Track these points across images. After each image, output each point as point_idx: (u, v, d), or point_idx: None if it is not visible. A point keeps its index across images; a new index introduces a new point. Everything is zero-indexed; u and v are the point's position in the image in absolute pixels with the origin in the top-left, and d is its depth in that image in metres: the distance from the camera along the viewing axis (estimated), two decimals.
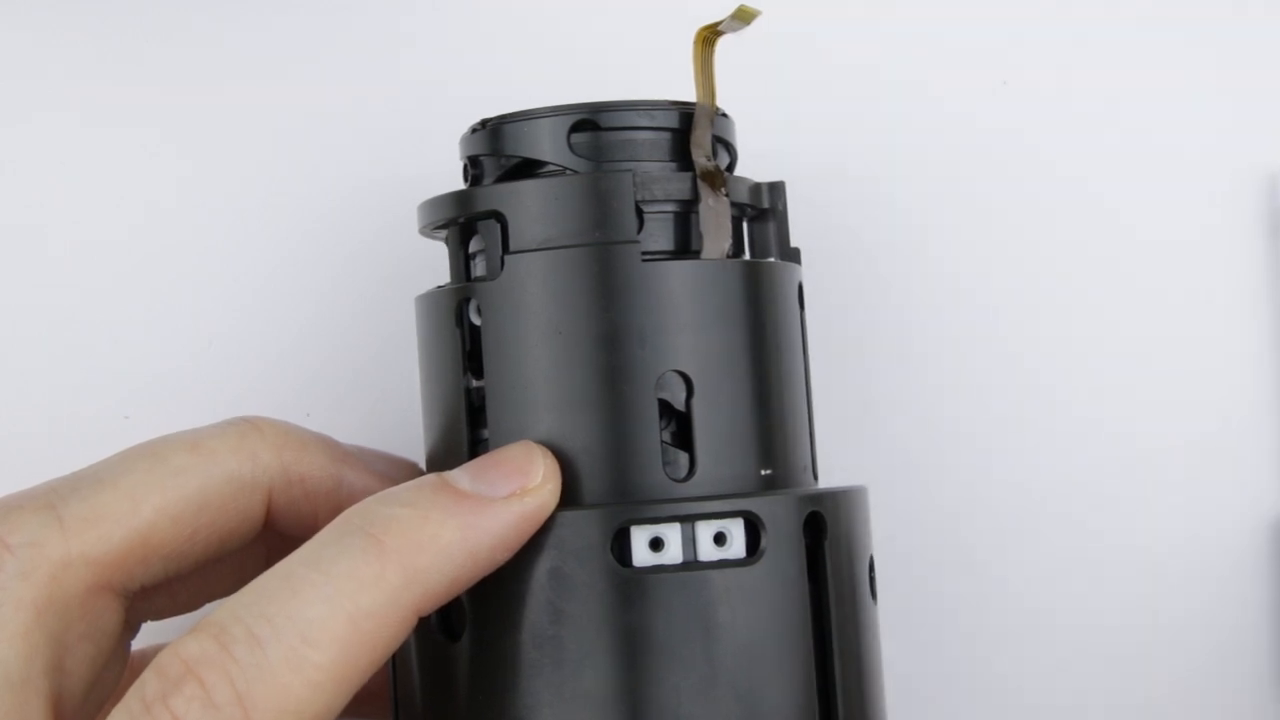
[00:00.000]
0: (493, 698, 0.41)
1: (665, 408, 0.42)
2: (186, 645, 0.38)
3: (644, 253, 0.42)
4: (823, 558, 0.42)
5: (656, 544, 0.41)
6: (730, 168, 0.45)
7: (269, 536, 0.45)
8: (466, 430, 0.43)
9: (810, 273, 0.46)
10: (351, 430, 0.50)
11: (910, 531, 0.52)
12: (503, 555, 0.40)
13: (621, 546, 0.41)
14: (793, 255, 0.45)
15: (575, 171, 0.43)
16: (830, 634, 0.42)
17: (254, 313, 0.52)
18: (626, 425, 0.41)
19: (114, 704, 0.39)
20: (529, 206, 0.42)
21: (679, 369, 0.42)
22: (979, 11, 0.53)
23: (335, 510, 0.42)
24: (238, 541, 0.44)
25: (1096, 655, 0.53)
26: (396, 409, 0.51)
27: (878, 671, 0.44)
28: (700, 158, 0.43)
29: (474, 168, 0.45)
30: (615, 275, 0.42)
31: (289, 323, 0.52)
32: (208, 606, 0.46)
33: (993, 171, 0.53)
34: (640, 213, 0.42)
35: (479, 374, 0.43)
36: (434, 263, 0.48)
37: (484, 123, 0.44)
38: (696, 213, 0.43)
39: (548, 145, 0.43)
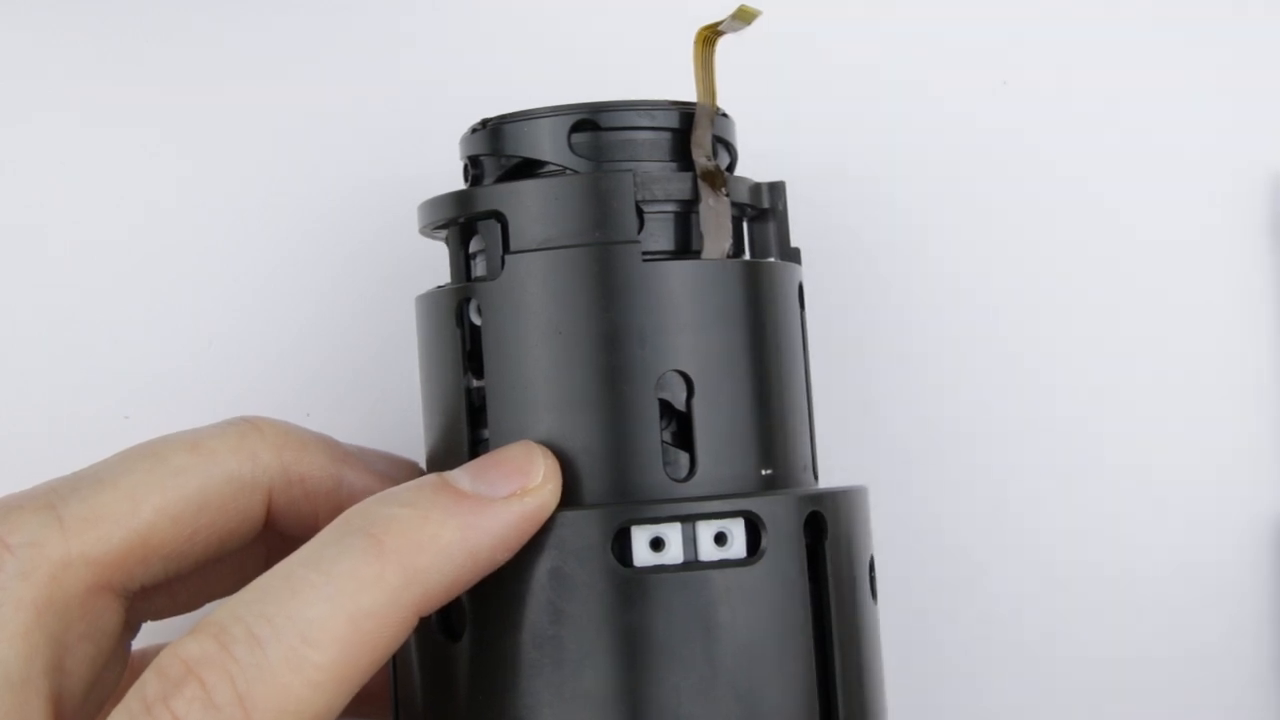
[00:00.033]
0: (493, 698, 0.41)
1: (665, 408, 0.42)
2: (187, 645, 0.38)
3: (644, 253, 0.42)
4: (823, 558, 0.42)
5: (657, 544, 0.41)
6: (730, 168, 0.45)
7: (269, 536, 0.45)
8: (467, 430, 0.43)
9: (810, 273, 0.46)
10: (351, 430, 0.50)
11: (910, 531, 0.52)
12: (503, 555, 0.40)
13: (622, 546, 0.41)
14: (793, 255, 0.45)
15: (575, 171, 0.43)
16: (830, 634, 0.42)
17: (254, 313, 0.52)
18: (627, 425, 0.41)
19: (114, 704, 0.39)
20: (529, 206, 0.42)
21: (679, 369, 0.42)
22: (979, 11, 0.53)
23: (335, 510, 0.42)
24: (238, 541, 0.44)
25: (1097, 655, 0.53)
26: (396, 409, 0.51)
27: (878, 671, 0.44)
28: (700, 158, 0.43)
29: (474, 168, 0.45)
30: (615, 275, 0.42)
31: (289, 323, 0.52)
32: (208, 606, 0.46)
33: (993, 171, 0.53)
34: (640, 213, 0.42)
35: (479, 374, 0.43)
36: (434, 263, 0.48)
37: (484, 123, 0.44)
38: (697, 213, 0.43)
39: (548, 145, 0.43)
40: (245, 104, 0.52)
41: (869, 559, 0.44)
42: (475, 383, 0.43)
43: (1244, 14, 0.53)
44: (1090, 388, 0.53)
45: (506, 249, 0.42)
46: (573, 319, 0.41)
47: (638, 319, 0.41)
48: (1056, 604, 0.53)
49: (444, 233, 0.45)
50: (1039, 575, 0.53)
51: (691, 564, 0.41)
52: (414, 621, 0.40)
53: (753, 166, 0.47)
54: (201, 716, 0.37)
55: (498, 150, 0.44)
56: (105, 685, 0.43)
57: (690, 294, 0.42)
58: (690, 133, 0.44)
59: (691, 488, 0.41)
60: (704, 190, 0.43)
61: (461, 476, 0.41)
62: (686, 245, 0.43)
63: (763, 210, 0.45)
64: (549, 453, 0.41)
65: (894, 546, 0.51)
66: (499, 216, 0.43)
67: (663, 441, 0.42)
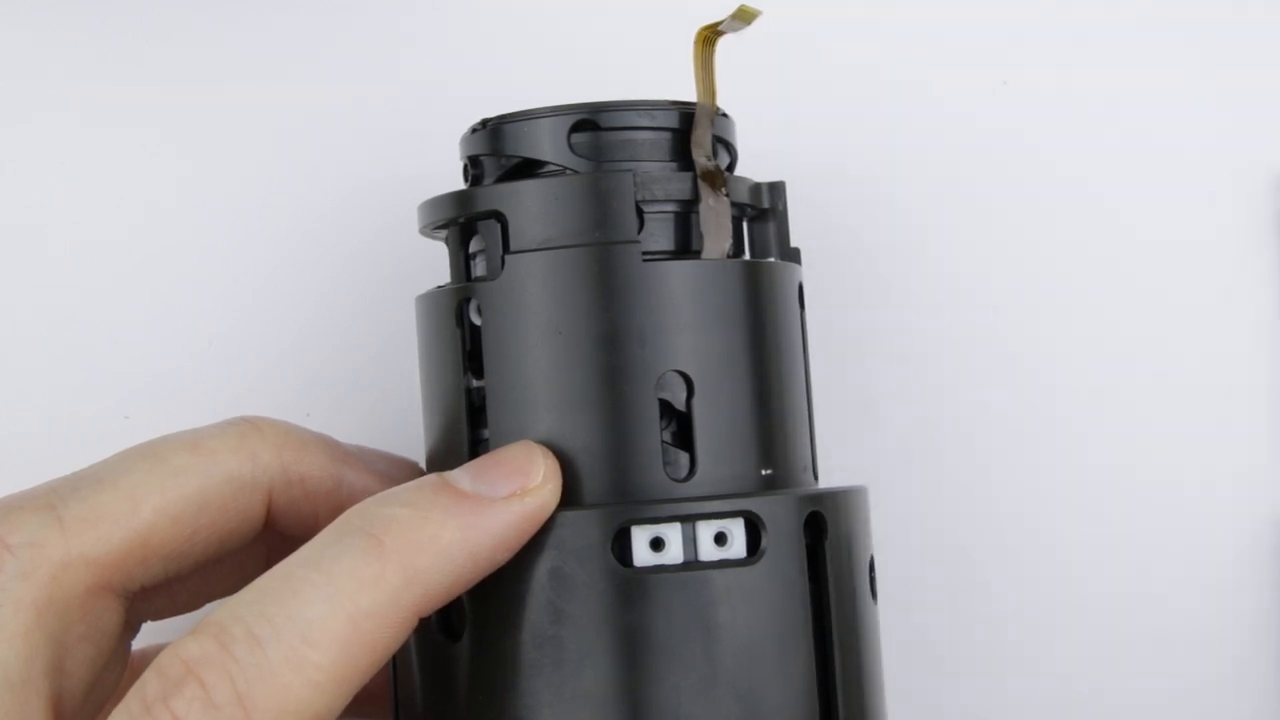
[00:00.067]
0: (493, 698, 0.41)
1: (665, 408, 0.42)
2: (187, 646, 0.38)
3: (644, 253, 0.42)
4: (823, 558, 0.42)
5: (657, 544, 0.41)
6: (730, 168, 0.45)
7: (269, 536, 0.45)
8: (467, 430, 0.43)
9: (810, 273, 0.46)
10: (351, 430, 0.50)
11: (910, 531, 0.52)
12: (503, 555, 0.40)
13: (622, 546, 0.41)
14: (793, 255, 0.45)
15: (575, 171, 0.43)
16: (830, 634, 0.42)
17: (254, 313, 0.52)
18: (627, 425, 0.41)
19: (114, 704, 0.39)
20: (529, 206, 0.42)
21: (679, 369, 0.42)
22: (979, 11, 0.53)
23: (335, 510, 0.42)
24: (238, 541, 0.44)
25: (1097, 655, 0.53)
26: (396, 409, 0.51)
27: (878, 671, 0.44)
28: (700, 158, 0.43)
29: (474, 168, 0.45)
30: (615, 275, 0.42)
31: (289, 323, 0.52)
32: (208, 606, 0.46)
33: (993, 171, 0.53)
34: (640, 213, 0.42)
35: (479, 374, 0.43)
36: (434, 263, 0.48)
37: (484, 123, 0.44)
38: (697, 213, 0.43)
39: (548, 145, 0.43)
40: (245, 104, 0.52)
41: (869, 559, 0.44)
42: (475, 383, 0.43)
43: (1244, 14, 0.53)
44: (1090, 388, 0.53)
45: (506, 249, 0.42)
46: (573, 319, 0.41)
47: (638, 319, 0.41)
48: (1056, 603, 0.53)
49: (444, 233, 0.45)
50: (1039, 575, 0.53)
51: (691, 564, 0.41)
52: (414, 622, 0.40)
53: (753, 166, 0.47)
54: (201, 716, 0.37)
55: (498, 150, 0.44)
56: (105, 685, 0.43)
57: (690, 294, 0.42)
58: (690, 133, 0.44)
59: (691, 488, 0.41)
60: (704, 190, 0.43)
61: (461, 476, 0.41)
62: (686, 245, 0.43)
63: (763, 210, 0.45)
64: (549, 453, 0.41)
65: (894, 546, 0.51)
66: (499, 216, 0.43)
67: (663, 441, 0.42)
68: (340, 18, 0.53)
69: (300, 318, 0.52)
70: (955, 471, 0.53)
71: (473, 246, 0.44)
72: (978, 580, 0.53)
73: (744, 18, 0.43)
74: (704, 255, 0.43)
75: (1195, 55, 0.53)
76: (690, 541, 0.41)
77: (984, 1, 0.53)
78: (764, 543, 0.41)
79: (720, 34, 0.44)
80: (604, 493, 0.41)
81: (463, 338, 0.43)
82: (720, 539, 0.41)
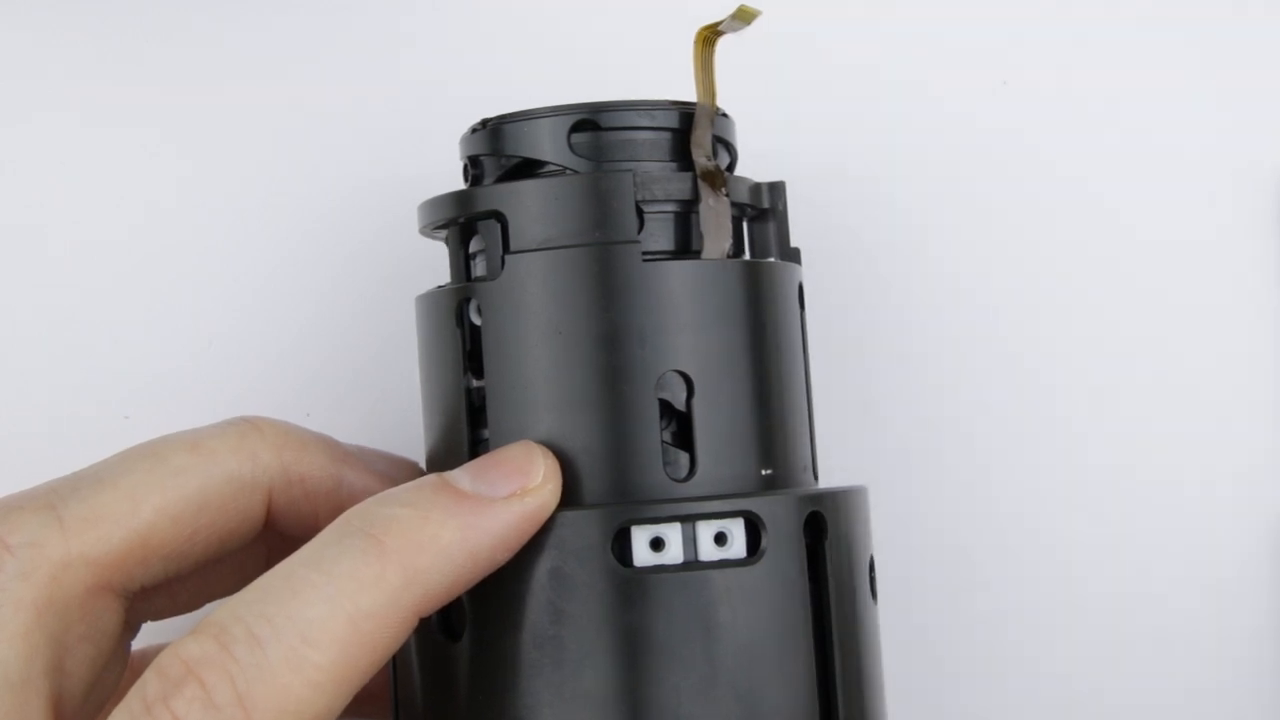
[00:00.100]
0: (493, 698, 0.41)
1: (665, 408, 0.42)
2: (187, 646, 0.38)
3: (644, 253, 0.42)
4: (823, 558, 0.42)
5: (657, 544, 0.41)
6: (730, 168, 0.45)
7: (269, 536, 0.45)
8: (467, 430, 0.43)
9: (810, 273, 0.46)
10: (351, 430, 0.50)
11: (910, 531, 0.52)
12: (503, 555, 0.40)
13: (622, 546, 0.41)
14: (793, 255, 0.45)
15: (575, 171, 0.43)
16: (830, 634, 0.42)
17: (254, 313, 0.52)
18: (627, 425, 0.41)
19: (114, 704, 0.39)
20: (529, 206, 0.42)
21: (679, 369, 0.42)
22: (979, 11, 0.53)
23: (335, 510, 0.42)
24: (238, 541, 0.44)
25: (1097, 655, 0.53)
26: (396, 409, 0.51)
27: (878, 671, 0.44)
28: (700, 158, 0.43)
29: (474, 168, 0.45)
30: (615, 275, 0.42)
31: (289, 323, 0.52)
32: (208, 607, 0.46)
33: (993, 171, 0.53)
34: (640, 213, 0.42)
35: (479, 374, 0.43)
36: (434, 263, 0.48)
37: (484, 123, 0.44)
38: (697, 213, 0.43)
39: (548, 145, 0.43)
40: (245, 104, 0.52)
41: (869, 559, 0.44)
42: (475, 383, 0.43)
43: (1244, 14, 0.53)
44: (1090, 388, 0.53)
45: (506, 249, 0.42)
46: (573, 319, 0.41)
47: (638, 319, 0.41)
48: (1056, 603, 0.53)
49: (444, 233, 0.45)
50: (1039, 575, 0.53)
51: (691, 564, 0.41)
52: (414, 622, 0.40)
53: (753, 166, 0.47)
54: (202, 716, 0.37)
55: (498, 150, 0.44)
56: (105, 686, 0.43)
57: (690, 294, 0.42)
58: (690, 133, 0.44)
59: (691, 488, 0.41)
60: (704, 190, 0.43)
61: (461, 476, 0.41)
62: (686, 245, 0.43)
63: (763, 210, 0.45)
64: (549, 453, 0.41)
65: (894, 546, 0.51)
66: (499, 216, 0.43)
67: (663, 441, 0.42)
68: (340, 18, 0.53)
69: (300, 318, 0.52)
70: (955, 471, 0.53)
71: (473, 246, 0.44)
72: (978, 580, 0.53)
73: (744, 18, 0.43)
74: (704, 255, 0.43)
75: (1195, 55, 0.53)
76: (690, 541, 0.41)
77: (984, 1, 0.53)
78: (764, 543, 0.41)
79: (720, 34, 0.44)
80: (604, 493, 0.41)
81: (463, 338, 0.43)
82: (720, 539, 0.41)
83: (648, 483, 0.41)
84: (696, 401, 0.42)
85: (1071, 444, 0.53)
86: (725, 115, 0.45)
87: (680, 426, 0.42)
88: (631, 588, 0.40)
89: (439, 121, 0.49)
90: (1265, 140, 0.53)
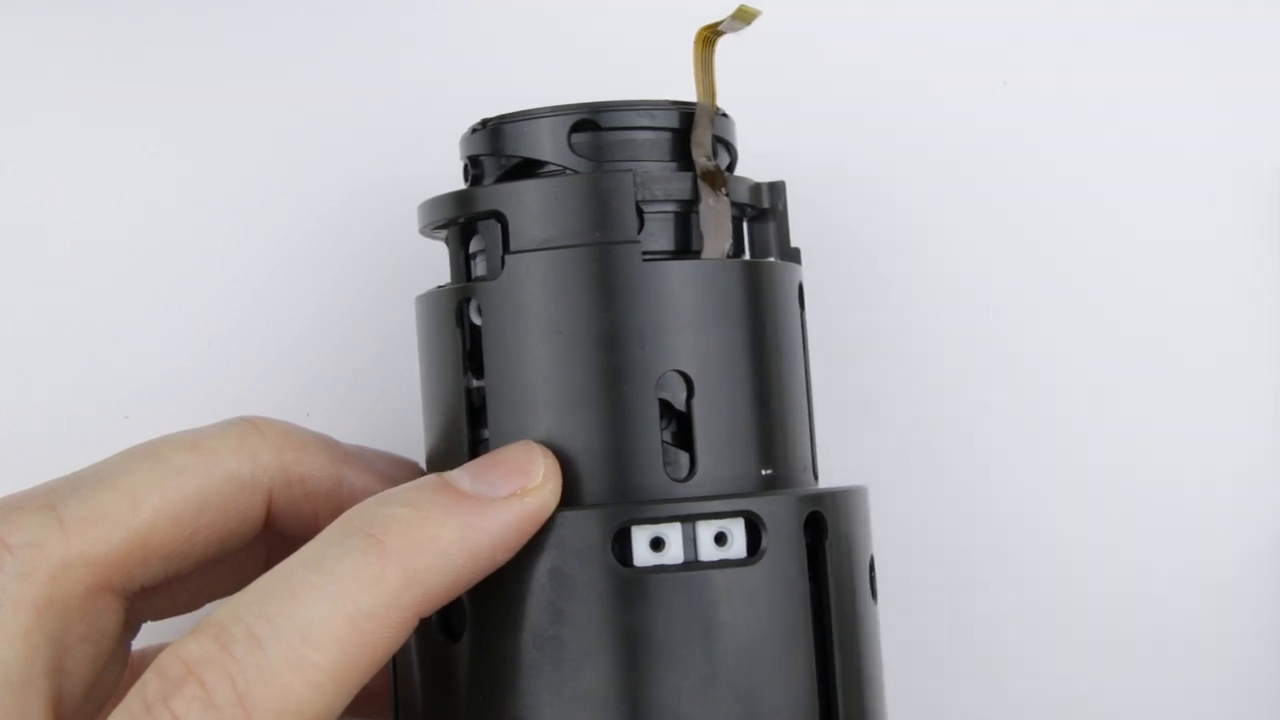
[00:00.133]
0: (493, 698, 0.41)
1: (666, 408, 0.42)
2: (187, 646, 0.38)
3: (644, 253, 0.42)
4: (823, 558, 0.42)
5: (657, 544, 0.41)
6: (730, 168, 0.45)
7: (269, 537, 0.45)
8: (467, 430, 0.43)
9: (810, 273, 0.46)
10: (351, 430, 0.50)
11: (910, 531, 0.52)
12: (503, 555, 0.40)
13: (622, 546, 0.41)
14: (793, 255, 0.45)
15: (575, 171, 0.43)
16: (830, 634, 0.42)
17: (254, 313, 0.52)
18: (627, 425, 0.41)
19: (114, 704, 0.39)
20: (529, 206, 0.42)
21: (679, 369, 0.42)
22: (979, 11, 0.53)
23: (335, 510, 0.42)
24: (238, 542, 0.44)
25: (1097, 655, 0.53)
26: (396, 409, 0.51)
27: (878, 671, 0.44)
28: (700, 157, 0.43)
29: (474, 168, 0.45)
30: (615, 275, 0.42)
31: (289, 323, 0.52)
32: (208, 607, 0.46)
33: (993, 171, 0.53)
34: (640, 213, 0.42)
35: (479, 374, 0.43)
36: (434, 263, 0.48)
37: (484, 123, 0.44)
38: (697, 213, 0.43)
39: (548, 145, 0.43)
40: (245, 104, 0.52)
41: (869, 559, 0.44)
42: (475, 383, 0.43)
43: (1244, 14, 0.53)
44: (1090, 388, 0.53)
45: (506, 249, 0.42)
46: (573, 319, 0.41)
47: (638, 319, 0.41)
48: (1056, 603, 0.53)
49: (444, 233, 0.45)
50: (1039, 575, 0.53)
51: (691, 564, 0.41)
52: (414, 622, 0.40)
53: (753, 166, 0.47)
54: (202, 717, 0.37)
55: (498, 150, 0.44)
56: (105, 686, 0.43)
57: (690, 294, 0.42)
58: (690, 133, 0.44)
59: (691, 488, 0.41)
60: (704, 190, 0.43)
61: (461, 476, 0.41)
62: (686, 245, 0.43)
63: (763, 210, 0.45)
64: (549, 452, 0.41)
65: (894, 546, 0.51)
66: (499, 216, 0.43)
67: (663, 441, 0.42)
68: (340, 18, 0.53)
69: (300, 318, 0.52)
70: (955, 471, 0.53)
71: (473, 246, 0.44)
72: (978, 580, 0.53)
73: (744, 18, 0.43)
74: (704, 255, 0.43)
75: (1195, 55, 0.53)
76: (690, 541, 0.41)
77: (984, 1, 0.53)
78: (764, 543, 0.41)
79: (720, 34, 0.44)
80: (604, 493, 0.41)
81: (463, 338, 0.43)
82: (720, 539, 0.41)
83: (648, 483, 0.41)
84: (696, 401, 0.42)
85: (1071, 444, 0.53)
86: (725, 115, 0.45)
87: (680, 426, 0.42)
88: (631, 588, 0.40)
89: (439, 121, 0.49)
90: (1265, 140, 0.53)
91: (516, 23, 0.53)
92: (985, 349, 0.53)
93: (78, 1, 0.52)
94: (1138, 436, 0.53)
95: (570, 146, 0.43)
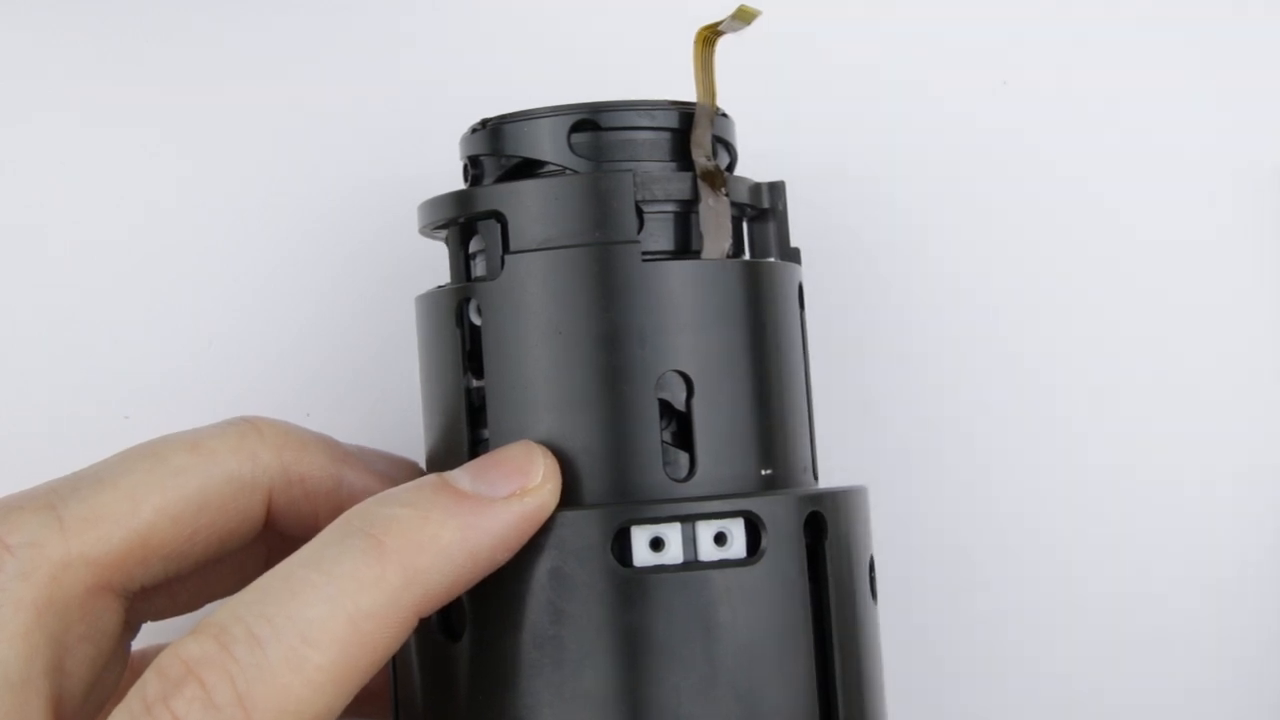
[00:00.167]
0: (493, 698, 0.41)
1: (665, 408, 0.42)
2: (187, 646, 0.38)
3: (644, 253, 0.42)
4: (823, 558, 0.42)
5: (657, 544, 0.41)
6: (730, 168, 0.45)
7: (269, 537, 0.45)
8: (466, 430, 0.43)
9: (810, 273, 0.46)
10: (351, 430, 0.50)
11: (910, 531, 0.52)
12: (503, 555, 0.40)
13: (622, 546, 0.41)
14: (793, 255, 0.45)
15: (575, 171, 0.43)
16: (830, 634, 0.42)
17: (254, 313, 0.52)
18: (627, 425, 0.41)
19: (114, 704, 0.39)
20: (529, 206, 0.42)
21: (679, 369, 0.42)
22: (979, 11, 0.53)
23: (335, 510, 0.42)
24: (238, 542, 0.44)
25: (1097, 655, 0.53)
26: (396, 409, 0.51)
27: (878, 671, 0.44)
28: (700, 157, 0.43)
29: (474, 168, 0.45)
30: (615, 275, 0.42)
31: (289, 323, 0.52)
32: (208, 607, 0.46)
33: (993, 171, 0.53)
34: (640, 213, 0.42)
35: (479, 374, 0.43)
36: (434, 263, 0.48)
37: (484, 123, 0.44)
38: (696, 213, 0.43)
39: (548, 145, 0.43)
40: (245, 104, 0.52)
41: (869, 559, 0.44)
42: (475, 383, 0.43)
43: (1244, 14, 0.53)
44: (1090, 388, 0.53)
45: (506, 249, 0.42)
46: (573, 319, 0.41)
47: (637, 319, 0.41)
48: (1056, 603, 0.53)
49: (444, 233, 0.45)
50: (1039, 575, 0.53)
51: (691, 564, 0.41)
52: (414, 622, 0.40)
53: (753, 166, 0.47)
54: (201, 717, 0.37)
55: (498, 150, 0.44)
56: (105, 686, 0.43)
57: (690, 294, 0.42)
58: (690, 133, 0.44)
59: (691, 488, 0.41)
60: (704, 190, 0.43)
61: (461, 476, 0.41)
62: (686, 245, 0.43)
63: (762, 210, 0.45)
64: (549, 452, 0.41)
65: (894, 546, 0.51)
66: (499, 216, 0.43)
67: (662, 441, 0.42)
68: (340, 18, 0.53)
69: (300, 318, 0.52)
70: (955, 471, 0.53)
71: (473, 246, 0.44)
72: (978, 580, 0.53)
73: (744, 18, 0.43)
74: (704, 255, 0.43)
75: (1195, 55, 0.53)
76: (690, 541, 0.41)
77: (984, 1, 0.53)
78: (764, 543, 0.41)
79: (720, 34, 0.44)
80: (604, 493, 0.41)
81: (462, 338, 0.43)
82: (720, 539, 0.41)
83: (647, 483, 0.41)
84: (696, 401, 0.42)
85: (1071, 444, 0.53)
86: (725, 115, 0.45)
87: (680, 426, 0.42)
88: (631, 588, 0.40)
89: (439, 121, 0.49)
90: (1265, 140, 0.53)
91: (516, 23, 0.53)
92: (985, 349, 0.53)
93: (78, 1, 0.52)
94: (1138, 436, 0.53)
95: (570, 146, 0.43)
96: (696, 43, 0.44)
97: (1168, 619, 0.53)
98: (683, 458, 0.42)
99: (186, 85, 0.52)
